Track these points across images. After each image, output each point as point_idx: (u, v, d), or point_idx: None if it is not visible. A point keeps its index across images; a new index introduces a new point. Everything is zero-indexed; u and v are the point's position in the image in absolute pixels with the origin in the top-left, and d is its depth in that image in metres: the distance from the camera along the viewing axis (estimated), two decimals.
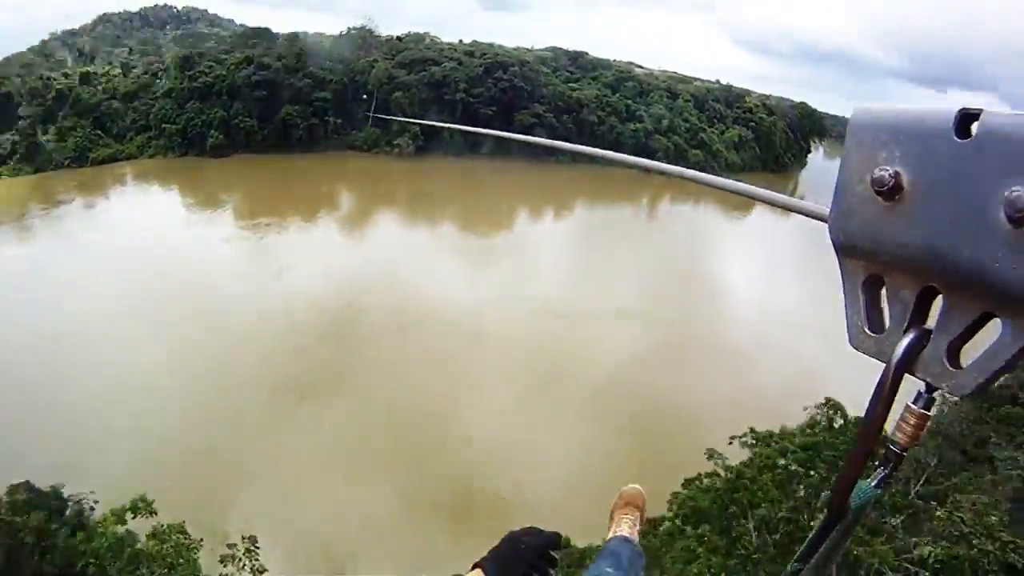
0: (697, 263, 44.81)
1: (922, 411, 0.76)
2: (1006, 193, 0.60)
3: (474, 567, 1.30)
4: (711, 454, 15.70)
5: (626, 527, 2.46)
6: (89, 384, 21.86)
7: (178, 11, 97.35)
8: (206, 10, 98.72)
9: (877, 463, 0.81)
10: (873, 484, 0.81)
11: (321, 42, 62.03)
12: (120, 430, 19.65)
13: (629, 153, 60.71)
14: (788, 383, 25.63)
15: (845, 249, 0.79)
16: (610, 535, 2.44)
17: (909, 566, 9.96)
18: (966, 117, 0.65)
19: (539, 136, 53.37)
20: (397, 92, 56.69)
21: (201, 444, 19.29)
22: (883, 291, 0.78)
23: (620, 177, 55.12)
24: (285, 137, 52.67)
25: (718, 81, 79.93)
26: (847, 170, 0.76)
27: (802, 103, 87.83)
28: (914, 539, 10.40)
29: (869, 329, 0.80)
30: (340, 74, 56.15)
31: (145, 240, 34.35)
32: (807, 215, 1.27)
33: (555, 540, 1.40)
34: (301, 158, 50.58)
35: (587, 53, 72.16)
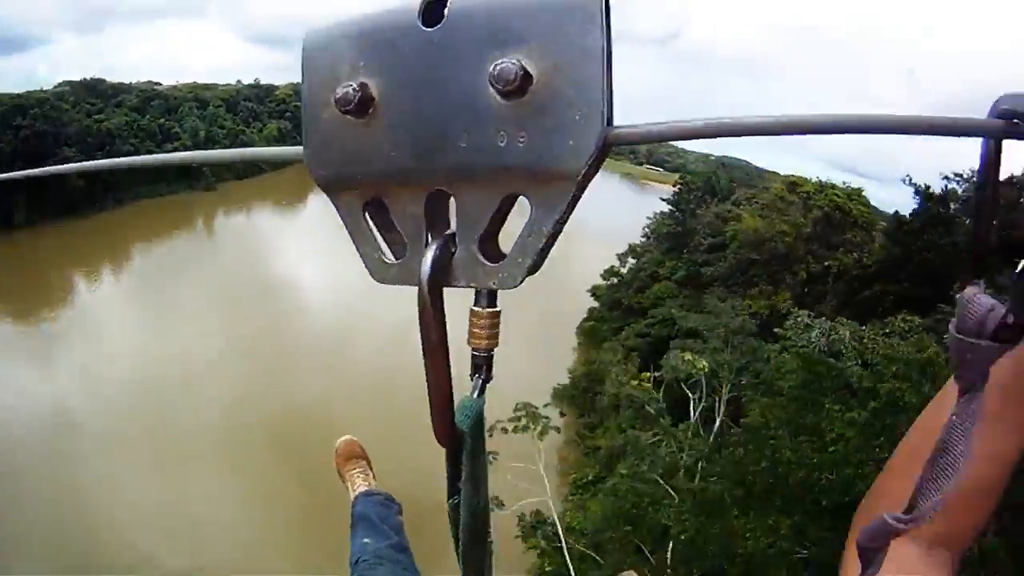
0: (268, 268, 47.13)
1: (490, 310, 0.70)
2: (490, 69, 0.56)
3: None
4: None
5: (360, 480, 2.43)
6: None
7: None
8: None
9: (470, 374, 0.74)
10: (476, 395, 0.73)
11: None
12: None
13: (173, 177, 63.33)
14: (388, 346, 27.14)
15: (332, 184, 0.72)
16: (351, 496, 2.39)
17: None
18: (433, 3, 0.60)
19: (73, 183, 52.78)
20: None
21: None
22: (389, 214, 0.73)
23: (167, 205, 56.71)
24: None
25: (240, 81, 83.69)
26: (309, 100, 0.69)
27: None
28: None
29: (390, 257, 0.74)
30: None
31: None
32: (287, 161, 1.07)
33: None
34: None
35: (104, 80, 68.98)
